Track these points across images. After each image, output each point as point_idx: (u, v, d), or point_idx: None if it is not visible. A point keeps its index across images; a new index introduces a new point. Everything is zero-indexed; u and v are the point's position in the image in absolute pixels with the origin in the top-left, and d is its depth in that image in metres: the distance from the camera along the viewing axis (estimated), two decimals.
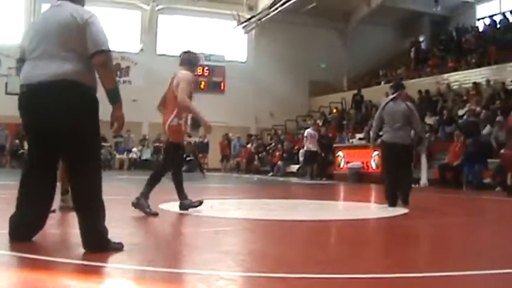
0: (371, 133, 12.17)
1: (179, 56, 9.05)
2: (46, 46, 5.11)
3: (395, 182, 10.54)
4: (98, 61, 5.09)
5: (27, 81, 5.13)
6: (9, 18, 33.91)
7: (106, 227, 5.18)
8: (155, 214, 8.03)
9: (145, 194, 8.18)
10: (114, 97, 5.29)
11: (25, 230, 5.28)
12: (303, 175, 24.78)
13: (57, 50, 5.07)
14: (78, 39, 5.07)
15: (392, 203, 10.36)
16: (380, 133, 11.18)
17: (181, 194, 8.62)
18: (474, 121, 20.51)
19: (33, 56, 5.16)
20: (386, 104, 11.02)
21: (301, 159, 25.52)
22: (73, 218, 5.22)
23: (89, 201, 5.18)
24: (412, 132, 11.31)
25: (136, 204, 8.11)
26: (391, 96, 11.13)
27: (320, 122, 30.73)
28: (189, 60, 8.95)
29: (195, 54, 9.18)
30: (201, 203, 8.60)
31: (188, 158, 22.54)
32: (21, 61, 5.49)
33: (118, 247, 5.14)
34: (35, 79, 5.05)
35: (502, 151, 15.01)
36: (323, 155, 22.57)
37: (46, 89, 5.02)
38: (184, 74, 8.55)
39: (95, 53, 5.06)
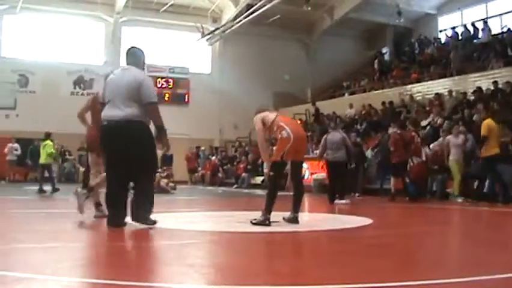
0: (319, 152, 16.88)
1: None
2: (119, 98, 7.89)
3: (334, 186, 16.11)
4: (149, 108, 7.97)
5: (110, 119, 7.92)
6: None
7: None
8: (268, 225, 8.64)
9: (268, 209, 8.79)
10: (161, 130, 8.17)
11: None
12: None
13: (127, 101, 7.85)
14: (138, 93, 7.86)
15: (332, 201, 15.64)
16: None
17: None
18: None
19: (111, 103, 7.95)
20: (328, 134, 16.19)
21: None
22: None
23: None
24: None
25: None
26: (331, 129, 16.57)
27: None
28: None
29: None
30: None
31: None
32: (102, 105, 8.23)
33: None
34: (112, 118, 7.88)
35: (411, 164, 17.65)
36: (352, 165, 18.24)
37: (125, 126, 7.83)
38: None
39: (147, 103, 7.91)
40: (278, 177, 9.27)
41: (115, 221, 7.98)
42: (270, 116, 9.19)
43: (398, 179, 17.27)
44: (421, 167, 17.82)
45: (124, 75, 8.09)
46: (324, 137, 16.31)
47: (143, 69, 8.52)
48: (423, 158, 18.45)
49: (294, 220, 9.07)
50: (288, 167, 9.65)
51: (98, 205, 9.58)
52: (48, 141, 18.96)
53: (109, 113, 7.95)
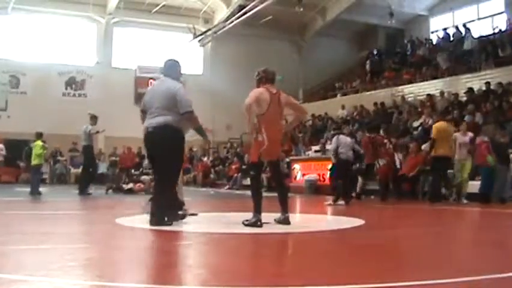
0: (332, 155, 16.71)
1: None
2: (155, 106, 8.78)
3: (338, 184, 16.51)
4: (187, 117, 8.80)
5: (149, 126, 8.76)
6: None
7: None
8: (260, 227, 8.62)
9: (258, 210, 8.84)
10: (200, 132, 9.34)
11: None
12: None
13: (162, 110, 8.70)
14: (172, 102, 8.70)
15: (347, 201, 15.77)
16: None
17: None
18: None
19: (149, 111, 8.84)
20: (338, 135, 16.59)
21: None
22: None
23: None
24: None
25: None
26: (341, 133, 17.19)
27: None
28: None
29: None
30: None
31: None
32: (143, 112, 9.08)
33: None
34: (152, 125, 8.72)
35: (377, 166, 18.25)
36: (363, 166, 19.25)
37: (158, 131, 8.68)
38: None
39: (184, 112, 8.71)
40: (258, 176, 9.37)
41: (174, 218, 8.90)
42: (265, 105, 9.09)
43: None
44: (386, 169, 18.38)
45: (159, 86, 9.11)
46: (336, 137, 16.67)
47: (179, 79, 9.34)
48: (397, 163, 19.39)
49: (285, 221, 8.98)
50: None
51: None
52: (38, 142, 18.77)
53: (148, 120, 8.86)
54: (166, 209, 8.74)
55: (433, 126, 17.03)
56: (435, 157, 16.65)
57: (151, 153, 9.22)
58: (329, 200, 16.01)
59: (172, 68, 9.36)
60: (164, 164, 8.81)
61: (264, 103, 9.06)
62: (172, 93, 8.75)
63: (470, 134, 17.01)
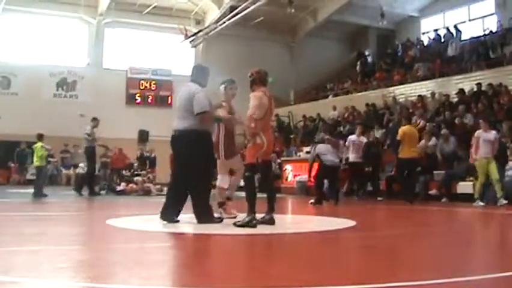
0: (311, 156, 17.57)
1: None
2: (179, 110, 9.27)
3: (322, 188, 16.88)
4: (199, 118, 9.01)
5: (174, 129, 9.23)
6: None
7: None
8: (254, 226, 8.64)
9: (252, 210, 8.87)
10: (220, 121, 9.90)
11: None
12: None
13: (183, 112, 9.12)
14: (190, 106, 9.02)
15: (319, 201, 16.09)
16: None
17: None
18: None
19: (176, 115, 9.32)
20: (316, 146, 16.96)
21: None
22: None
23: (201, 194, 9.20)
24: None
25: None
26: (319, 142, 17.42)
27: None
28: None
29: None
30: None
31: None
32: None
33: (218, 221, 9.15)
34: (176, 128, 9.20)
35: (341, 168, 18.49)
36: (370, 169, 19.46)
37: (180, 134, 9.13)
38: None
39: (197, 114, 8.98)
40: (253, 177, 9.34)
41: (167, 217, 9.01)
42: (263, 110, 9.14)
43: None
44: (348, 171, 19.63)
45: (183, 91, 9.45)
46: (314, 147, 17.34)
47: (205, 85, 9.68)
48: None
49: (269, 221, 9.02)
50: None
51: (221, 204, 10.44)
52: (38, 144, 18.73)
53: (174, 123, 9.30)
54: (208, 205, 9.20)
55: (400, 129, 17.54)
56: (400, 159, 17.21)
57: (175, 156, 9.56)
58: (312, 199, 16.26)
59: (198, 73, 9.76)
60: (184, 166, 9.19)
61: (263, 109, 9.16)
62: (191, 96, 9.09)
63: (494, 132, 16.10)
